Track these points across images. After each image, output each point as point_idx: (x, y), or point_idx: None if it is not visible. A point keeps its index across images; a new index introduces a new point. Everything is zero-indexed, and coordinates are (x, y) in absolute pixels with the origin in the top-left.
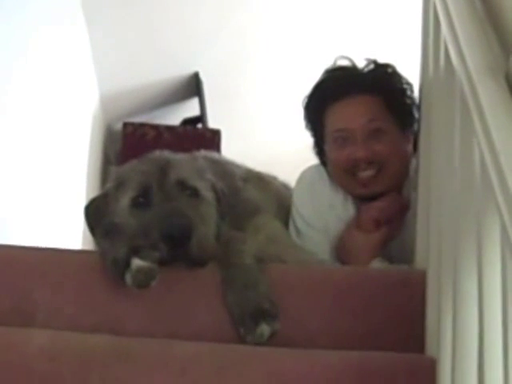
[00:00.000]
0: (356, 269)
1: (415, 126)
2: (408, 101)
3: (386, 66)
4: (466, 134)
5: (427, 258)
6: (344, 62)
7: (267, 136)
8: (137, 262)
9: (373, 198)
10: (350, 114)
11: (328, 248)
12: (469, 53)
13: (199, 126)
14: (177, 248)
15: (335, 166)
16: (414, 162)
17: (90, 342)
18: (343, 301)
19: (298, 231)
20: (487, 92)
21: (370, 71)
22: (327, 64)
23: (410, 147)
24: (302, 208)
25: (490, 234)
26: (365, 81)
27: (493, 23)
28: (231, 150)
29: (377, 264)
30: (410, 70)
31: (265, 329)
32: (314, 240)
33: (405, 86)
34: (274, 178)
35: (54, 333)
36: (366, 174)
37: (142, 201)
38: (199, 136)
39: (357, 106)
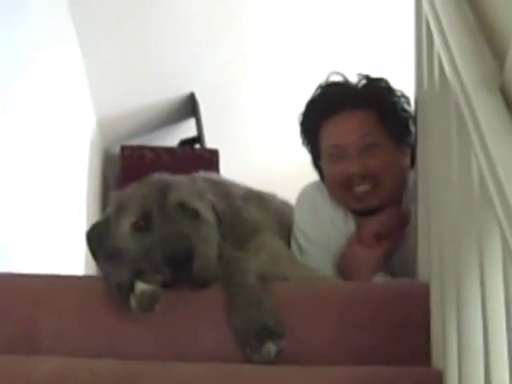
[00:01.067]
0: (359, 284)
1: (412, 139)
2: (403, 114)
3: (379, 80)
4: (462, 146)
5: (429, 270)
6: (337, 78)
7: (265, 153)
8: (140, 286)
9: (370, 212)
10: (343, 130)
11: (330, 264)
12: (463, 65)
13: (197, 146)
14: (180, 270)
15: (331, 181)
16: (412, 174)
17: (96, 367)
18: (347, 316)
19: (300, 248)
20: (482, 104)
21: (363, 86)
22: (322, 79)
23: (407, 160)
24: (303, 225)
25: (490, 244)
26: (357, 96)
27: (485, 34)
28: (229, 168)
29: (379, 279)
30: (405, 84)
31: (271, 347)
32: (316, 256)
33: (400, 100)
34: (274, 196)
35: (60, 359)
36: (360, 188)
37: (143, 224)
38: (197, 156)
39: (350, 121)
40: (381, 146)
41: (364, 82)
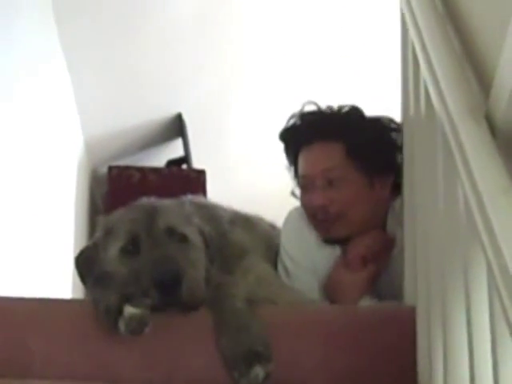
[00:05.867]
0: (346, 308)
1: (394, 166)
2: (376, 146)
3: (353, 110)
4: (449, 174)
5: (416, 294)
6: (311, 107)
7: (252, 173)
8: (129, 310)
9: (342, 241)
10: (310, 161)
11: (317, 287)
12: (449, 93)
13: (184, 166)
14: (168, 294)
15: (304, 209)
16: (398, 199)
17: None
18: (335, 340)
19: (286, 271)
20: (468, 133)
21: (335, 117)
22: (307, 98)
23: (384, 191)
24: (289, 248)
25: (476, 271)
26: (327, 127)
27: (471, 62)
28: (217, 189)
29: (366, 302)
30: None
31: (259, 371)
32: (303, 280)
33: (373, 130)
34: (261, 219)
35: (50, 382)
36: (324, 220)
37: (131, 249)
38: (184, 177)
39: (317, 153)
40: (346, 180)
41: (335, 112)
